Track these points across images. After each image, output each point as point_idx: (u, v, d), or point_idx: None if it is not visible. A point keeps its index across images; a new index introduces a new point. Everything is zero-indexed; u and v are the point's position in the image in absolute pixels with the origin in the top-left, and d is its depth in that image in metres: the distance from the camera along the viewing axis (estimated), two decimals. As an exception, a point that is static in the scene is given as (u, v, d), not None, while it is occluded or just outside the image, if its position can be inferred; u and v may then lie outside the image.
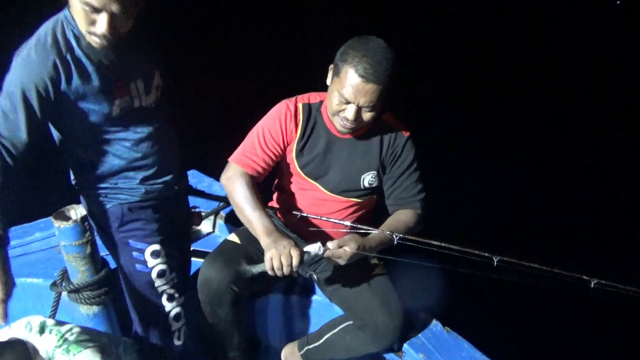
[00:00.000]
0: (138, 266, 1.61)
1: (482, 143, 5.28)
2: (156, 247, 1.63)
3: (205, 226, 2.51)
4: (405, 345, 1.82)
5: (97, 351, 1.37)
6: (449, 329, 1.88)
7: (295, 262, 1.45)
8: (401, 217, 1.72)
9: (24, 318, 1.48)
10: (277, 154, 1.72)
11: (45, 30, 1.37)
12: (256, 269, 1.56)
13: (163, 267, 1.64)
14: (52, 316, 1.86)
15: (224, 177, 1.72)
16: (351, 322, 1.75)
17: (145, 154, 1.58)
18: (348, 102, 1.53)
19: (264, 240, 1.54)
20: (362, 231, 1.66)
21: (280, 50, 6.49)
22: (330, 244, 1.53)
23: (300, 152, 1.72)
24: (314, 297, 2.04)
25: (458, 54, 7.86)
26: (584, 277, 1.43)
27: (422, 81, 6.37)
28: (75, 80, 1.36)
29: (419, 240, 1.57)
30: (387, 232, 1.61)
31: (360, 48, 1.50)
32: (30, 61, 1.31)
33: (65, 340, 1.37)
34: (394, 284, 1.79)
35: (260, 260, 1.56)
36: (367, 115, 1.57)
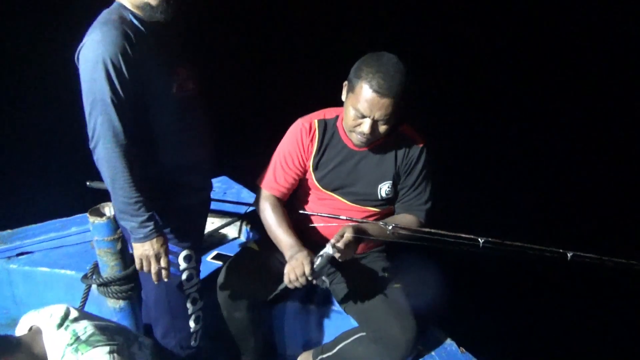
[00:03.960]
0: (173, 270, 1.65)
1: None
2: (189, 251, 1.70)
3: (231, 231, 2.58)
4: (418, 362, 1.82)
5: (105, 350, 1.41)
6: (464, 349, 1.87)
7: (307, 270, 1.53)
8: (401, 219, 1.78)
9: (51, 306, 1.54)
10: (299, 172, 1.81)
11: (105, 16, 1.42)
12: (278, 290, 1.66)
13: (192, 271, 1.71)
14: (82, 307, 1.96)
15: (255, 199, 1.85)
16: (364, 333, 1.77)
17: (191, 158, 1.63)
18: (363, 117, 1.59)
19: (286, 254, 1.66)
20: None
21: (313, 63, 6.59)
22: (331, 241, 1.59)
23: (317, 165, 1.79)
24: (331, 308, 2.07)
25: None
26: (561, 250, 1.51)
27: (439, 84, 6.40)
28: (141, 55, 1.41)
29: (409, 229, 1.66)
30: (381, 223, 1.69)
31: (373, 63, 1.56)
32: (101, 39, 1.35)
33: (77, 339, 1.42)
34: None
35: (275, 266, 1.65)
36: (382, 128, 1.62)
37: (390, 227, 1.64)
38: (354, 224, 1.67)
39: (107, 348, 1.42)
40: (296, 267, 1.54)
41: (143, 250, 1.52)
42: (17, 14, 6.50)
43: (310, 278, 1.54)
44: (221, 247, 2.49)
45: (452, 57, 7.59)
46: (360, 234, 1.63)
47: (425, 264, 1.96)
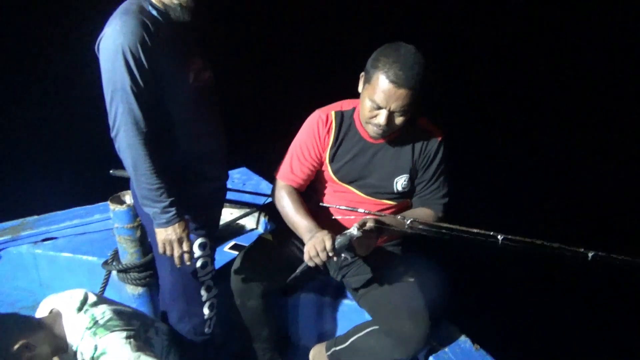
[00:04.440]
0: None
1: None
2: (204, 239, 1.72)
3: (248, 222, 2.61)
4: (431, 357, 1.81)
5: (123, 335, 1.45)
6: (478, 346, 1.85)
7: (328, 245, 1.52)
8: (420, 213, 1.76)
9: (70, 290, 1.59)
10: (315, 164, 1.80)
11: (125, 6, 1.44)
12: (298, 271, 1.64)
13: (207, 259, 1.73)
14: (102, 292, 2.01)
15: (272, 190, 1.85)
16: (377, 326, 1.77)
17: (205, 147, 1.65)
18: (380, 108, 1.56)
19: (305, 237, 1.64)
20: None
21: (330, 55, 6.58)
22: (355, 225, 1.58)
23: (333, 157, 1.78)
24: (345, 301, 2.07)
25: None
26: (582, 249, 1.47)
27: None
28: (160, 45, 1.43)
29: (427, 224, 1.64)
30: (399, 216, 1.66)
31: (391, 54, 1.53)
32: (120, 29, 1.37)
33: (96, 322, 1.47)
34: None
35: (289, 255, 1.64)
36: (398, 120, 1.59)
37: (408, 222, 1.62)
38: (373, 216, 1.66)
39: (125, 333, 1.45)
40: (317, 244, 1.53)
41: (166, 235, 1.55)
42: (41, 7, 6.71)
43: (331, 254, 1.53)
44: (239, 237, 2.51)
45: (476, 51, 7.49)
46: (380, 223, 1.62)
47: (440, 259, 1.94)
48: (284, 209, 1.76)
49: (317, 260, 1.54)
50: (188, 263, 1.63)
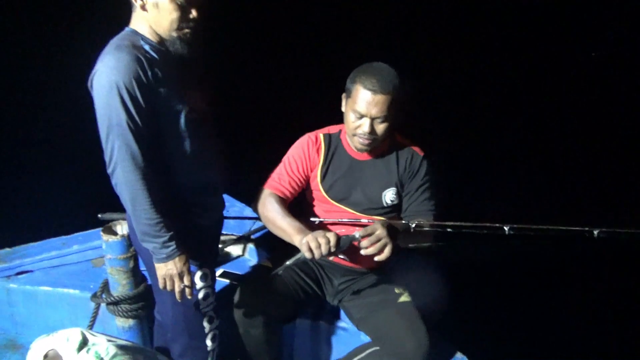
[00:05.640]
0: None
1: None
2: (206, 270, 1.70)
3: (235, 249, 2.59)
4: (429, 375, 1.85)
5: None
6: (473, 363, 1.91)
7: (333, 241, 1.54)
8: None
9: (64, 330, 1.52)
10: (302, 178, 1.87)
11: (117, 42, 1.45)
12: (291, 260, 1.62)
13: (208, 290, 1.71)
14: (91, 327, 1.94)
15: (255, 201, 1.87)
16: (378, 347, 1.80)
17: (203, 178, 1.65)
18: (362, 117, 1.70)
19: (297, 238, 1.63)
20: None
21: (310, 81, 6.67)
22: (360, 232, 1.61)
23: (324, 176, 1.87)
24: (341, 324, 2.08)
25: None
26: (587, 228, 1.54)
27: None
28: (154, 79, 1.43)
29: (432, 224, 1.72)
30: (403, 222, 1.74)
31: (366, 69, 1.72)
32: (114, 65, 1.37)
33: None
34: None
35: (290, 283, 1.64)
36: (380, 128, 1.71)
37: (413, 225, 1.69)
38: (382, 220, 1.70)
39: None
40: (319, 237, 1.55)
41: (166, 270, 1.53)
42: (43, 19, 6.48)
43: (333, 250, 1.55)
44: (226, 265, 2.49)
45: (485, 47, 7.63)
46: (385, 224, 1.64)
47: (432, 275, 2.00)
48: (270, 214, 1.77)
49: (317, 253, 1.54)
50: (189, 297, 1.61)
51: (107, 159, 1.44)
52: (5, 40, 6.26)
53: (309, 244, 1.55)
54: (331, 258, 1.60)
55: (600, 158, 5.19)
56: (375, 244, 1.59)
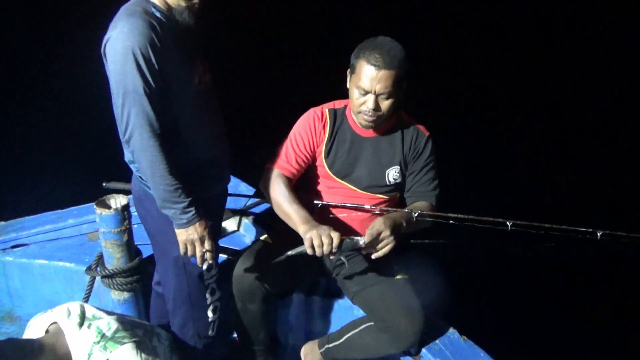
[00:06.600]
0: (193, 259, 1.64)
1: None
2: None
3: (230, 224, 2.59)
4: (423, 350, 1.87)
5: (133, 347, 1.42)
6: (465, 337, 1.93)
7: (335, 241, 1.54)
8: (419, 206, 1.83)
9: (64, 304, 1.51)
10: (308, 155, 1.84)
11: (129, 7, 1.41)
12: (293, 252, 1.63)
13: (212, 262, 1.70)
14: (86, 300, 1.94)
15: (262, 179, 1.84)
16: (372, 323, 1.81)
17: (211, 150, 1.64)
18: (366, 93, 1.67)
19: (302, 228, 1.63)
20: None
21: (310, 63, 6.59)
22: (365, 238, 1.61)
23: (328, 152, 1.84)
24: (335, 300, 2.10)
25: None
26: (590, 229, 1.54)
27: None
28: (166, 46, 1.41)
29: (435, 215, 1.70)
30: (406, 210, 1.73)
31: (370, 44, 1.67)
32: (129, 30, 1.34)
33: (103, 336, 1.42)
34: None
35: (291, 260, 1.64)
36: (385, 104, 1.68)
37: (415, 214, 1.68)
38: (383, 217, 1.67)
39: (134, 344, 1.42)
40: (323, 235, 1.54)
41: (187, 235, 1.53)
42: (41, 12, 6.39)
43: (334, 251, 1.55)
44: (221, 240, 2.49)
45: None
46: (390, 224, 1.62)
47: (429, 257, 2.01)
48: (278, 198, 1.76)
49: (318, 251, 1.55)
50: (211, 262, 1.62)
51: (122, 126, 1.43)
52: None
53: (312, 240, 1.55)
54: (332, 257, 1.60)
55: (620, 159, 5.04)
56: (382, 249, 1.61)
